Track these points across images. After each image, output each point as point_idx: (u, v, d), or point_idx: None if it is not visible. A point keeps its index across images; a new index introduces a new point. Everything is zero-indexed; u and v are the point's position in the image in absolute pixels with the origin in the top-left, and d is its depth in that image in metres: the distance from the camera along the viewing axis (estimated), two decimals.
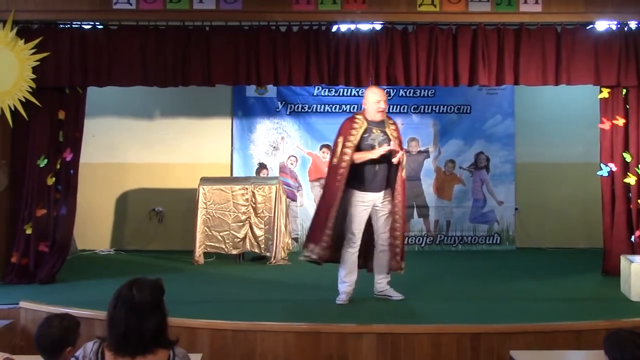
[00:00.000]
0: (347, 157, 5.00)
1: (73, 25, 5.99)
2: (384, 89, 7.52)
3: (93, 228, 7.81)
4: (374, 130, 5.08)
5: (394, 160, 4.97)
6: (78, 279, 6.10)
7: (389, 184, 5.13)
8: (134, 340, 2.34)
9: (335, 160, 5.08)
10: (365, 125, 5.08)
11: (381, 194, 5.09)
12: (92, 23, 5.98)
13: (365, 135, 5.06)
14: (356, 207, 5.04)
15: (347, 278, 5.13)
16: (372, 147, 5.03)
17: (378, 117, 5.10)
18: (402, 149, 5.13)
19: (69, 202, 6.03)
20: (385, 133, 5.10)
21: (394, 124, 5.26)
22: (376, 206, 5.10)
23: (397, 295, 5.23)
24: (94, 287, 5.70)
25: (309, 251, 5.10)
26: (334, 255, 5.17)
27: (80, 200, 6.24)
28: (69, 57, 5.92)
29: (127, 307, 2.35)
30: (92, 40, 5.95)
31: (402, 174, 5.11)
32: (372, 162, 5.02)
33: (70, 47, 5.92)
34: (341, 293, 5.14)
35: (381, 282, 5.26)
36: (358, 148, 5.03)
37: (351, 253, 5.09)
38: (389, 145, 4.99)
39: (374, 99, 5.09)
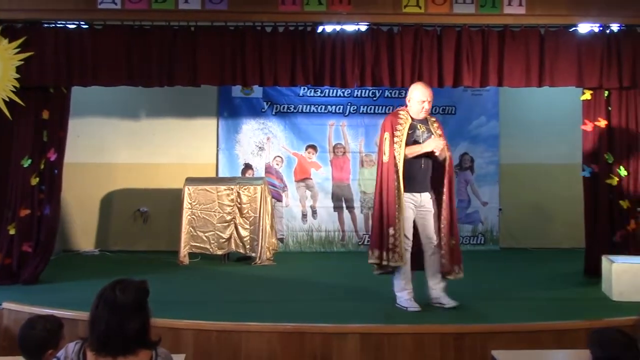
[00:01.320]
0: (400, 154, 4.87)
1: (58, 25, 5.96)
2: (370, 90, 7.74)
3: (77, 228, 7.78)
4: (418, 127, 4.96)
5: (436, 152, 4.88)
6: (62, 279, 6.06)
7: (434, 185, 5.02)
8: (115, 341, 2.34)
9: (385, 157, 4.92)
10: (409, 121, 4.95)
11: (427, 194, 4.98)
12: (77, 23, 5.95)
13: (410, 132, 4.93)
14: (404, 209, 4.90)
15: (407, 285, 5.00)
16: (417, 143, 4.91)
17: (421, 115, 5.00)
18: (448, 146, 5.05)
19: (53, 202, 6.00)
20: (429, 130, 4.99)
21: (437, 121, 5.15)
22: (421, 207, 4.98)
23: (449, 303, 4.97)
24: (78, 287, 5.67)
25: (375, 257, 4.95)
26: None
27: (65, 200, 6.21)
28: (54, 56, 5.89)
29: (109, 308, 2.35)
30: (77, 40, 5.92)
31: (447, 176, 4.98)
32: (418, 158, 4.91)
33: (55, 47, 5.89)
34: (406, 300, 4.97)
35: (435, 289, 5.04)
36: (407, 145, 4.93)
37: (406, 257, 4.94)
38: (429, 136, 4.94)
39: (419, 99, 4.96)
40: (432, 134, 4.98)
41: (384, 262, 4.93)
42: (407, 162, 4.91)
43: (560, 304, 5.25)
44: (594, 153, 6.14)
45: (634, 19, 5.97)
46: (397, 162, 4.88)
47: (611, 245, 6.01)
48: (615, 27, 6.02)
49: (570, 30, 6.02)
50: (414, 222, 5.00)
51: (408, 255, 4.95)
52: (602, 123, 6.11)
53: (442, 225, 4.98)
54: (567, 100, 7.10)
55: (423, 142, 4.93)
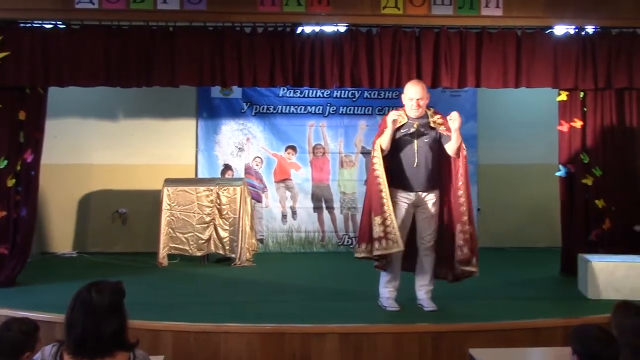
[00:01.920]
0: (377, 144, 4.86)
1: (34, 25, 5.89)
2: (349, 91, 7.75)
3: (55, 230, 7.71)
4: (414, 125, 4.86)
5: (451, 123, 4.74)
6: (39, 282, 6.01)
7: (436, 185, 4.95)
8: (91, 343, 2.33)
9: (372, 154, 4.95)
10: (405, 119, 4.87)
11: (424, 194, 4.89)
12: (54, 22, 5.90)
13: (403, 131, 4.86)
14: (396, 206, 4.85)
15: (389, 283, 4.98)
16: (410, 139, 4.84)
17: (413, 113, 4.87)
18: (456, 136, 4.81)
19: (30, 203, 5.93)
20: (427, 126, 4.88)
21: (442, 117, 4.94)
22: (418, 206, 4.92)
23: (429, 306, 4.95)
24: (55, 290, 5.60)
25: (361, 251, 4.89)
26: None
27: (42, 202, 6.14)
28: (30, 56, 5.82)
29: (85, 310, 2.34)
30: (54, 40, 5.86)
31: (461, 158, 4.85)
32: (410, 156, 4.85)
33: (32, 47, 5.83)
34: (386, 299, 4.97)
35: (420, 290, 5.02)
36: (396, 142, 4.86)
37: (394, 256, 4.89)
38: (426, 135, 4.85)
39: (408, 97, 4.89)
40: (433, 129, 4.91)
41: (372, 253, 4.83)
42: (399, 160, 4.88)
43: (537, 303, 5.31)
44: (569, 153, 6.22)
45: (608, 21, 6.06)
46: (375, 153, 4.86)
47: (587, 244, 6.10)
48: (590, 29, 6.10)
49: (546, 32, 6.09)
50: (413, 222, 4.97)
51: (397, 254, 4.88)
52: (578, 124, 6.20)
53: (464, 215, 4.83)
54: (543, 101, 7.17)
55: (417, 137, 4.87)
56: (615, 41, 6.11)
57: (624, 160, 6.18)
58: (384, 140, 4.84)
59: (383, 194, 4.79)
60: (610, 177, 6.15)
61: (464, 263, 4.85)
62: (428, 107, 5.00)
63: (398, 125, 4.86)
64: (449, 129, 4.86)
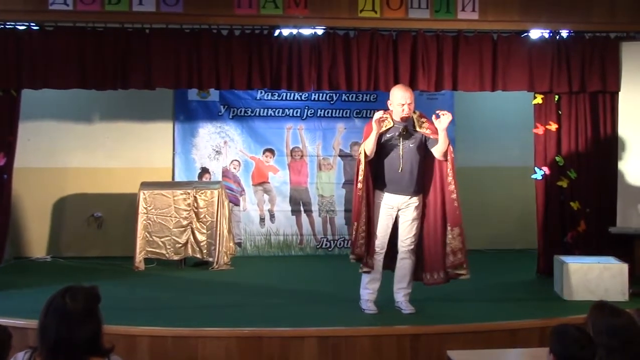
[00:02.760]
0: (361, 148, 4.87)
1: (7, 26, 5.81)
2: (327, 94, 7.75)
3: (29, 234, 7.59)
4: (401, 129, 4.86)
5: (438, 123, 4.74)
6: (13, 287, 5.90)
7: (420, 189, 4.95)
8: (65, 350, 2.29)
9: (357, 157, 4.94)
10: (391, 124, 4.87)
11: (407, 198, 4.89)
12: (27, 24, 5.82)
13: (389, 135, 4.87)
14: (378, 208, 4.88)
15: (369, 285, 4.97)
16: (395, 144, 4.84)
17: (402, 117, 4.86)
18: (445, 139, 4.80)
19: (3, 208, 5.84)
20: (411, 130, 4.88)
21: (428, 121, 4.93)
22: (401, 210, 4.92)
23: (407, 309, 4.97)
24: (29, 295, 5.52)
25: (352, 255, 4.92)
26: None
27: (15, 206, 6.05)
28: (3, 58, 5.75)
29: (59, 315, 2.30)
30: (27, 42, 5.79)
31: (450, 160, 4.86)
32: (395, 160, 4.85)
33: (4, 48, 5.75)
34: (365, 301, 4.98)
35: (398, 293, 5.03)
36: (382, 147, 4.85)
37: (375, 259, 4.91)
38: (411, 140, 4.84)
39: (398, 102, 4.85)
40: (418, 131, 4.90)
41: (352, 257, 4.91)
42: (384, 164, 4.89)
43: (514, 304, 5.36)
44: (545, 156, 6.29)
45: (581, 25, 6.15)
46: (360, 159, 4.87)
47: (562, 245, 6.17)
48: (564, 33, 6.18)
49: (522, 36, 6.16)
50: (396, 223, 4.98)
51: (378, 256, 4.91)
52: (553, 126, 6.27)
53: (460, 218, 4.91)
54: (519, 104, 7.23)
55: (403, 143, 4.86)
56: (588, 45, 6.20)
57: (598, 163, 6.27)
58: (369, 145, 4.82)
59: (361, 201, 4.84)
60: (585, 179, 6.24)
61: (457, 267, 4.98)
62: (414, 110, 5.01)
63: (384, 127, 4.86)
64: (435, 132, 4.86)
